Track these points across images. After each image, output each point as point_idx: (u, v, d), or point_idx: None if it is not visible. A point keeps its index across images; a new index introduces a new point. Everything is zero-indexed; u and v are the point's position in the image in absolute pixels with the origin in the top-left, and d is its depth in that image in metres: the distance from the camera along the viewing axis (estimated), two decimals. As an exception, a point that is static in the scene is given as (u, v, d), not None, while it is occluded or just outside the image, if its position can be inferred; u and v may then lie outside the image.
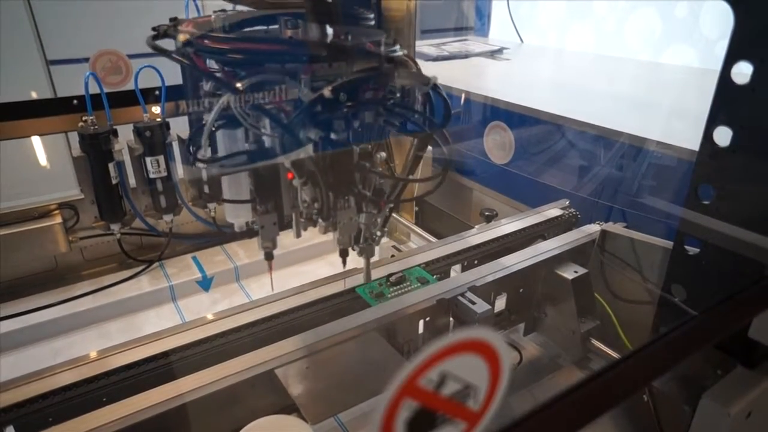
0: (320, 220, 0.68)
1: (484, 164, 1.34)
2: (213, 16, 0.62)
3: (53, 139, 1.29)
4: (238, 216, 0.70)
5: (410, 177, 0.69)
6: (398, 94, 0.62)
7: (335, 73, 0.58)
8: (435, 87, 0.62)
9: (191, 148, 0.66)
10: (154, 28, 0.64)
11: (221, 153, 0.66)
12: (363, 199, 0.66)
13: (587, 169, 1.10)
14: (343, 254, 0.73)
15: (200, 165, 0.65)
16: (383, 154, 0.66)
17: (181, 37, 0.57)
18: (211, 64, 0.61)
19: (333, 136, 0.60)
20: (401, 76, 0.61)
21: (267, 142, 0.64)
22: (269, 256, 0.73)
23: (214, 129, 0.62)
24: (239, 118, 0.59)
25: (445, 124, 0.63)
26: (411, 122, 0.64)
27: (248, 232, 0.80)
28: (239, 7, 0.65)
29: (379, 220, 0.70)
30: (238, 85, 0.56)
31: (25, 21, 1.74)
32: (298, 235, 0.71)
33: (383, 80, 0.60)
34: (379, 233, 0.72)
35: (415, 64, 0.65)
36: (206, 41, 0.57)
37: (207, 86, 0.63)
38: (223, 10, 0.64)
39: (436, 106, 0.65)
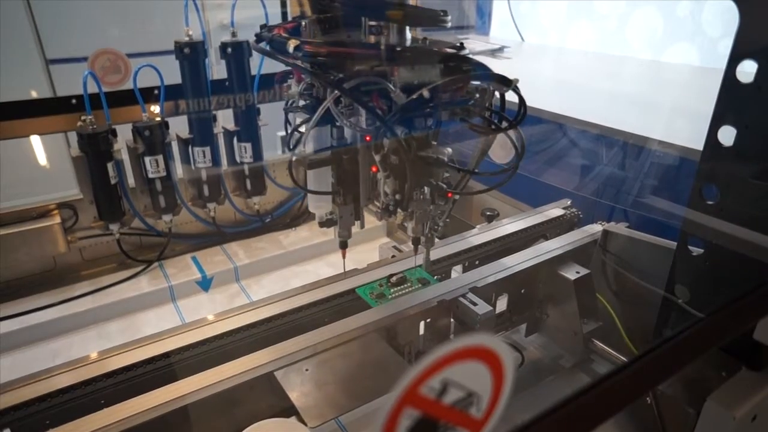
0: (399, 210, 0.73)
1: (485, 163, 1.33)
2: (303, 23, 0.69)
3: (52, 139, 1.29)
4: (319, 207, 0.77)
5: (478, 171, 0.74)
6: (477, 95, 0.68)
7: (418, 75, 0.64)
8: (515, 89, 0.67)
9: (288, 144, 0.73)
10: (256, 34, 0.72)
11: (310, 148, 0.73)
12: (437, 190, 0.72)
13: (589, 169, 1.10)
14: (416, 242, 0.78)
15: (293, 159, 0.72)
16: (450, 150, 0.71)
17: (292, 43, 0.63)
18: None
19: (416, 133, 0.67)
20: (488, 78, 0.66)
21: (349, 137, 0.72)
22: (344, 245, 0.79)
23: (312, 127, 0.69)
24: (336, 116, 0.66)
25: (520, 122, 0.69)
26: (487, 120, 0.70)
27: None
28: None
29: (444, 211, 0.76)
30: (345, 85, 0.62)
31: (24, 20, 1.74)
32: (363, 226, 0.78)
33: (469, 82, 0.66)
34: (441, 224, 0.77)
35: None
36: (313, 47, 0.64)
37: (296, 87, 0.71)
38: (302, 17, 0.71)
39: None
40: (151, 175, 1.07)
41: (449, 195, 0.73)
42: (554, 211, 1.04)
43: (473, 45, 1.92)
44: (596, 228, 0.95)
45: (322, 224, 0.78)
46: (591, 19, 2.04)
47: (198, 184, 1.17)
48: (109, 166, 1.03)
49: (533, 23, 2.19)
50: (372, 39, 0.66)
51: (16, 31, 1.73)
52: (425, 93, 0.61)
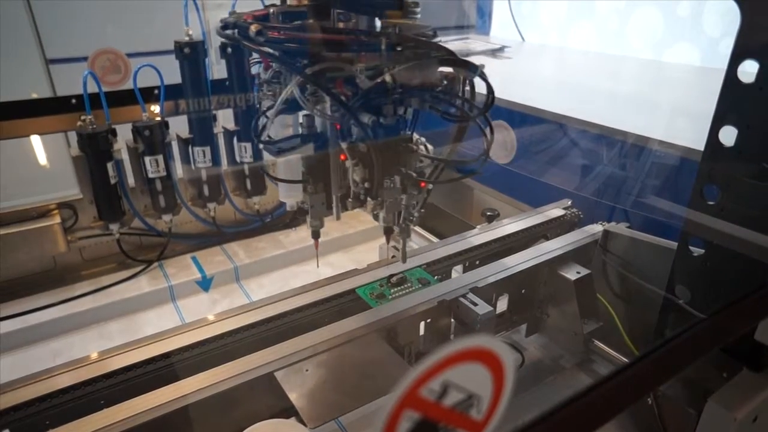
0: (368, 200, 0.73)
1: (486, 163, 1.33)
2: (272, 10, 0.68)
3: (52, 139, 1.29)
4: (290, 196, 0.76)
5: (451, 159, 0.74)
6: (445, 82, 0.68)
7: (387, 61, 0.64)
8: (482, 74, 0.67)
9: (253, 132, 0.73)
10: (222, 20, 0.71)
11: (277, 137, 0.72)
12: (408, 180, 0.71)
13: (590, 169, 1.09)
14: (388, 232, 0.77)
15: (262, 146, 0.71)
16: (423, 139, 0.72)
17: (253, 28, 0.62)
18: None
19: (383, 120, 0.66)
20: (452, 63, 0.67)
21: (319, 126, 0.71)
22: (316, 235, 0.78)
23: (277, 114, 0.69)
24: (301, 103, 0.66)
25: (488, 109, 0.69)
26: (456, 108, 0.70)
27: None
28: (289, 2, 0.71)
29: (418, 201, 0.75)
30: (308, 71, 0.62)
31: (24, 20, 1.73)
32: (338, 218, 0.76)
33: (435, 68, 0.67)
34: (416, 214, 0.76)
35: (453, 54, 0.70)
36: (277, 32, 0.63)
37: (265, 75, 0.70)
38: (274, 5, 0.70)
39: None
40: (151, 175, 1.07)
41: (422, 185, 0.72)
42: (555, 211, 1.04)
43: (474, 45, 1.92)
44: (597, 228, 0.95)
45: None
46: (592, 18, 2.04)
47: (198, 183, 1.17)
48: (109, 165, 1.03)
49: (534, 23, 2.19)
50: (340, 25, 0.65)
51: (16, 30, 1.72)
52: (387, 78, 0.62)
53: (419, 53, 0.64)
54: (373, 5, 0.66)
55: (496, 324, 0.87)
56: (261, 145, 0.72)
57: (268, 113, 0.70)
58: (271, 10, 0.68)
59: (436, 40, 0.67)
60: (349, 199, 0.73)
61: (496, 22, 2.25)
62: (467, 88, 0.69)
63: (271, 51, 0.64)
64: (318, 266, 0.81)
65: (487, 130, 0.71)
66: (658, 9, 1.81)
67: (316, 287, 0.79)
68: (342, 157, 0.71)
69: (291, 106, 0.67)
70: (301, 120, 0.72)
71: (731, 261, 0.65)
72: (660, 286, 0.75)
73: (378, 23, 0.66)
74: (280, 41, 0.63)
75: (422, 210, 0.77)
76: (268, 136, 0.71)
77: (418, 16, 0.67)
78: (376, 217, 0.76)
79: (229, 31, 0.68)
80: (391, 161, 0.69)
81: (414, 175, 0.70)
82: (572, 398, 0.32)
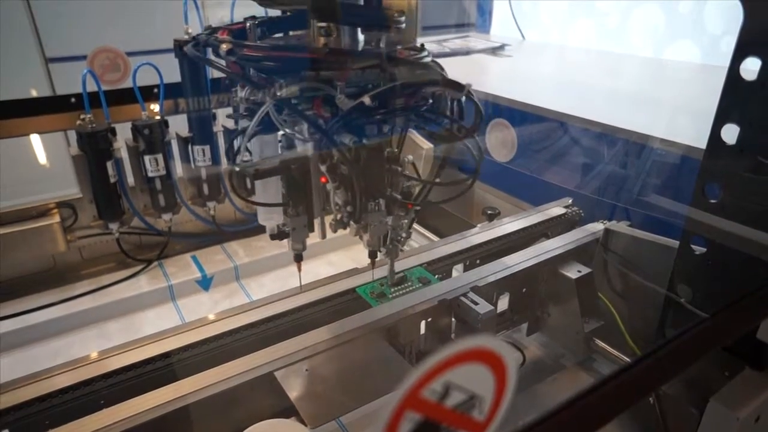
0: (351, 223, 0.69)
1: (486, 162, 1.33)
2: (247, 25, 0.64)
3: (52, 138, 1.29)
4: (270, 219, 0.72)
5: (438, 180, 0.71)
6: (431, 101, 0.64)
7: (368, 79, 0.60)
8: (468, 94, 0.63)
9: (229, 153, 0.68)
10: (193, 37, 0.68)
11: (256, 157, 0.68)
12: (392, 202, 0.68)
13: (590, 167, 1.09)
14: (372, 256, 0.74)
15: (239, 168, 0.66)
16: (411, 157, 0.68)
17: (224, 47, 0.59)
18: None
19: (366, 141, 0.62)
20: (437, 83, 0.62)
21: (299, 146, 0.67)
22: (299, 258, 0.74)
23: (252, 136, 0.64)
24: (277, 124, 0.61)
25: (476, 129, 0.65)
26: (442, 128, 0.66)
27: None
28: (271, 13, 0.68)
29: (405, 222, 0.72)
30: (280, 93, 0.58)
31: (24, 19, 1.73)
32: (324, 237, 0.73)
33: (418, 87, 0.62)
34: (404, 235, 0.73)
35: (442, 69, 0.66)
36: (248, 51, 0.59)
37: (243, 92, 0.64)
38: (254, 17, 0.66)
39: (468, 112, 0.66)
40: (150, 174, 1.07)
41: (410, 206, 0.69)
42: (556, 209, 1.03)
43: (474, 43, 1.91)
44: (598, 227, 0.94)
45: (273, 237, 0.73)
46: (592, 16, 2.03)
47: (198, 182, 1.16)
48: (109, 164, 1.03)
49: (534, 21, 2.18)
50: (321, 41, 0.61)
51: (15, 29, 1.72)
52: (366, 100, 0.57)
53: (405, 73, 0.60)
54: (360, 22, 0.62)
55: (497, 323, 0.87)
56: (237, 168, 0.66)
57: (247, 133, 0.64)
58: (248, 24, 0.64)
59: (424, 56, 0.63)
60: (332, 221, 0.70)
61: (496, 20, 2.25)
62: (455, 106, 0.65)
63: (238, 73, 0.60)
64: (300, 287, 0.78)
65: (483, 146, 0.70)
66: (660, 6, 1.81)
67: (316, 286, 0.79)
68: (323, 179, 0.67)
69: (268, 127, 0.63)
70: (280, 139, 0.68)
71: (733, 259, 0.64)
72: (661, 284, 0.75)
73: (361, 36, 0.63)
74: (253, 59, 0.59)
75: (410, 231, 0.74)
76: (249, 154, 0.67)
77: (403, 25, 0.63)
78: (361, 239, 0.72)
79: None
80: (374, 183, 0.65)
81: (398, 197, 0.67)
82: (574, 398, 0.32)
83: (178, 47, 1.06)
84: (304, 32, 0.67)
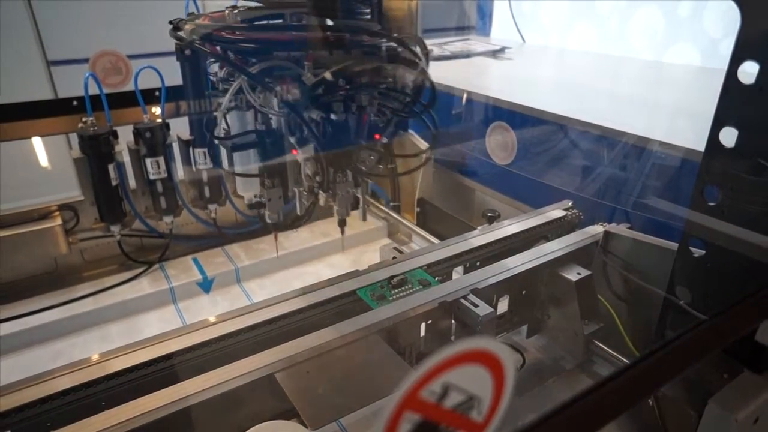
0: (320, 192, 0.78)
1: (487, 165, 1.33)
2: (226, 12, 0.73)
3: (53, 141, 1.29)
4: (248, 189, 0.81)
5: (397, 153, 0.84)
6: (390, 79, 0.73)
7: (336, 60, 0.69)
8: (423, 71, 0.73)
9: (207, 129, 0.82)
10: (171, 21, 0.77)
11: (234, 133, 0.77)
12: (357, 173, 0.76)
13: (590, 170, 1.10)
14: (342, 224, 0.83)
15: (216, 141, 0.78)
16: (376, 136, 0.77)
17: (196, 30, 0.69)
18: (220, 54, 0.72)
19: (332, 116, 0.71)
20: (396, 59, 0.73)
21: (274, 122, 0.76)
22: (275, 227, 0.85)
23: (227, 110, 0.75)
24: (251, 99, 0.71)
25: (432, 105, 0.75)
26: (400, 103, 0.76)
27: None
28: (250, 4, 0.76)
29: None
30: (252, 69, 0.67)
31: (25, 22, 1.74)
32: (301, 212, 0.82)
33: (376, 66, 0.71)
34: (362, 198, 0.83)
35: (425, 47, 0.77)
36: (224, 32, 0.69)
37: (221, 73, 0.75)
38: (234, 7, 0.75)
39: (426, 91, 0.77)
40: (152, 177, 1.07)
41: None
42: (555, 212, 1.04)
43: (474, 46, 1.92)
44: (598, 229, 0.95)
45: (251, 206, 0.83)
46: (592, 19, 2.04)
47: (199, 185, 1.17)
48: (110, 167, 1.03)
49: (534, 24, 2.19)
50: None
51: (17, 32, 1.73)
52: (327, 75, 0.66)
53: (366, 48, 0.69)
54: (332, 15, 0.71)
55: (497, 325, 0.87)
56: (216, 141, 0.78)
57: (221, 108, 0.75)
58: (226, 12, 0.73)
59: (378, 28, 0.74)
60: (304, 192, 0.78)
61: (496, 23, 2.25)
62: (416, 82, 0.76)
63: (207, 50, 0.69)
64: (277, 254, 0.88)
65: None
66: (659, 9, 1.81)
67: (317, 289, 0.79)
68: (293, 151, 0.75)
69: (247, 103, 0.73)
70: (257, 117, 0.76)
71: (732, 262, 0.65)
72: (661, 287, 0.75)
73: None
74: (227, 41, 0.68)
75: (380, 165, 0.82)
76: (226, 132, 0.76)
77: (367, 16, 0.72)
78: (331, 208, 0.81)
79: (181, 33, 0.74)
80: (339, 154, 0.74)
81: (363, 168, 0.75)
82: (573, 400, 0.32)
83: (180, 50, 1.06)
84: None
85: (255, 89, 0.70)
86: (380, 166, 0.82)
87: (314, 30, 0.70)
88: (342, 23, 0.72)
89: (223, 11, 0.75)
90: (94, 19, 1.79)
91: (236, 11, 0.74)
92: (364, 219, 0.87)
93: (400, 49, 0.73)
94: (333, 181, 0.73)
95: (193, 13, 0.77)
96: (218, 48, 0.69)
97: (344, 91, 0.68)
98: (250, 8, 0.75)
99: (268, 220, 0.80)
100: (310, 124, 0.70)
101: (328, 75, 0.65)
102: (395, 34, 0.75)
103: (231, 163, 0.79)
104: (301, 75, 0.66)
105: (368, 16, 0.73)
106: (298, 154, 0.74)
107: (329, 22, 0.71)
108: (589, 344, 0.86)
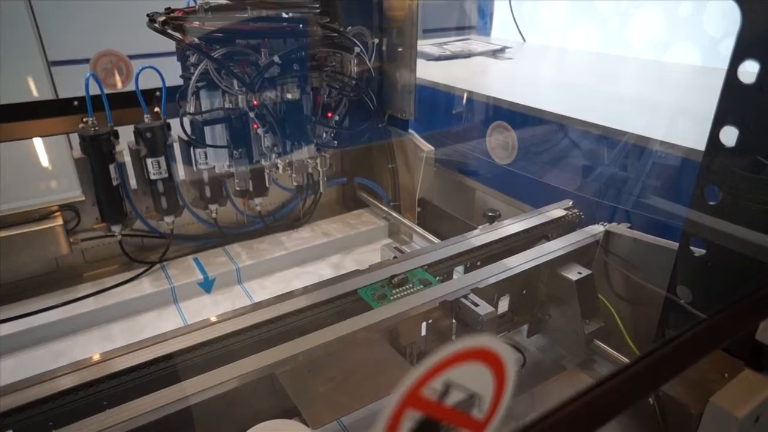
0: (279, 162, 0.99)
1: (487, 164, 1.33)
2: (197, 6, 0.92)
3: (54, 141, 1.29)
4: (218, 160, 1.02)
5: (345, 127, 1.08)
6: (333, 63, 0.98)
7: (289, 46, 0.93)
8: (359, 54, 0.98)
9: (179, 104, 1.00)
10: (148, 14, 0.96)
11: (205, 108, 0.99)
12: (309, 144, 0.99)
13: (591, 169, 1.10)
14: (299, 189, 1.11)
15: (187, 117, 0.99)
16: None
17: (159, 18, 0.91)
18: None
19: (287, 94, 0.94)
20: (332, 44, 0.96)
21: (240, 100, 0.95)
22: (243, 194, 1.09)
23: (197, 88, 0.96)
24: (215, 80, 0.92)
25: (369, 84, 1.05)
26: (342, 82, 1.00)
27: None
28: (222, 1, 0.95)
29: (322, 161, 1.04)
30: (213, 54, 0.90)
31: (26, 22, 1.74)
32: (268, 184, 1.11)
33: (318, 50, 0.96)
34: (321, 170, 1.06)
35: (370, 38, 1.08)
36: (192, 24, 0.90)
37: (193, 59, 0.95)
38: (207, 2, 0.93)
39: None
40: (153, 177, 1.07)
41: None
42: (556, 211, 1.04)
43: (474, 46, 1.92)
44: (598, 228, 0.95)
45: (222, 176, 1.05)
46: (593, 19, 2.04)
47: (200, 185, 1.17)
48: (111, 167, 1.03)
49: (535, 24, 2.19)
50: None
51: (17, 32, 1.73)
52: (276, 59, 0.88)
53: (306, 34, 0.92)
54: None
55: (498, 324, 0.87)
56: (186, 118, 0.98)
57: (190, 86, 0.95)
58: (197, 5, 0.92)
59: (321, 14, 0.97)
60: (266, 163, 0.99)
61: (497, 22, 2.25)
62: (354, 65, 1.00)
63: (175, 35, 0.90)
64: (246, 219, 1.19)
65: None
66: (659, 9, 1.81)
67: (318, 288, 0.80)
68: (254, 126, 0.95)
69: (213, 85, 0.93)
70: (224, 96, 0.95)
71: (732, 261, 0.65)
72: (661, 286, 0.75)
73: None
74: (195, 30, 0.88)
75: (325, 168, 1.05)
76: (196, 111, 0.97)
77: (317, 9, 0.93)
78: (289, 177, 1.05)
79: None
80: (294, 127, 0.96)
81: (314, 141, 0.99)
82: (573, 398, 0.32)
83: (181, 51, 1.06)
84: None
85: (220, 71, 0.89)
86: (335, 143, 1.06)
87: (269, 22, 0.91)
88: (292, 17, 0.93)
89: (194, 7, 0.93)
90: (95, 19, 1.79)
91: (206, 5, 0.91)
92: (323, 191, 1.17)
93: (339, 39, 0.96)
94: (289, 152, 0.95)
95: (169, 7, 0.95)
96: (189, 36, 0.89)
97: (294, 72, 0.90)
98: (219, 4, 0.92)
99: (237, 188, 1.04)
100: (266, 102, 0.92)
101: (276, 59, 0.87)
102: (335, 26, 0.97)
103: (201, 137, 0.98)
104: (257, 59, 0.88)
105: (317, 10, 0.93)
106: (259, 128, 0.94)
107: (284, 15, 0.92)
108: (590, 343, 0.86)
